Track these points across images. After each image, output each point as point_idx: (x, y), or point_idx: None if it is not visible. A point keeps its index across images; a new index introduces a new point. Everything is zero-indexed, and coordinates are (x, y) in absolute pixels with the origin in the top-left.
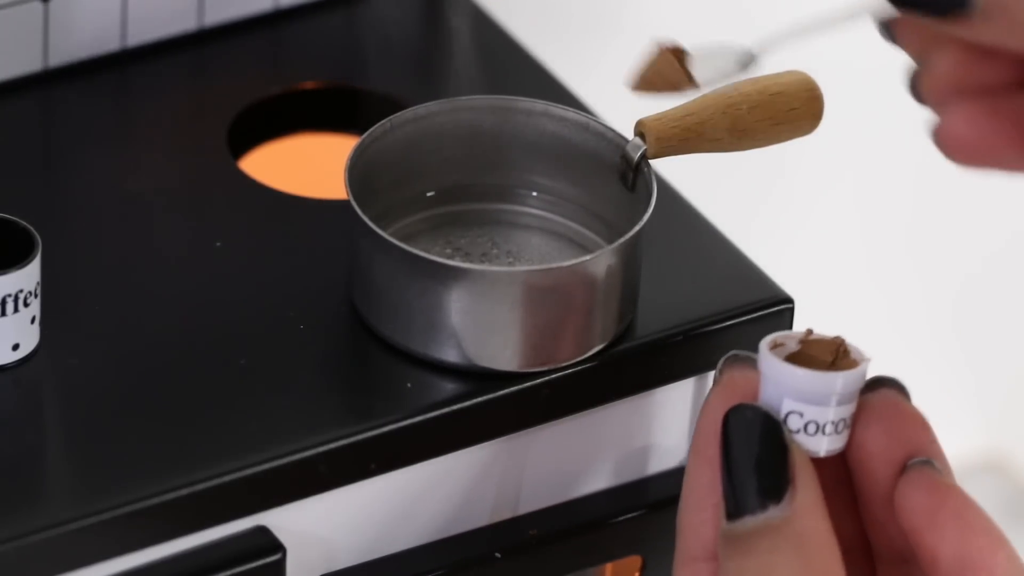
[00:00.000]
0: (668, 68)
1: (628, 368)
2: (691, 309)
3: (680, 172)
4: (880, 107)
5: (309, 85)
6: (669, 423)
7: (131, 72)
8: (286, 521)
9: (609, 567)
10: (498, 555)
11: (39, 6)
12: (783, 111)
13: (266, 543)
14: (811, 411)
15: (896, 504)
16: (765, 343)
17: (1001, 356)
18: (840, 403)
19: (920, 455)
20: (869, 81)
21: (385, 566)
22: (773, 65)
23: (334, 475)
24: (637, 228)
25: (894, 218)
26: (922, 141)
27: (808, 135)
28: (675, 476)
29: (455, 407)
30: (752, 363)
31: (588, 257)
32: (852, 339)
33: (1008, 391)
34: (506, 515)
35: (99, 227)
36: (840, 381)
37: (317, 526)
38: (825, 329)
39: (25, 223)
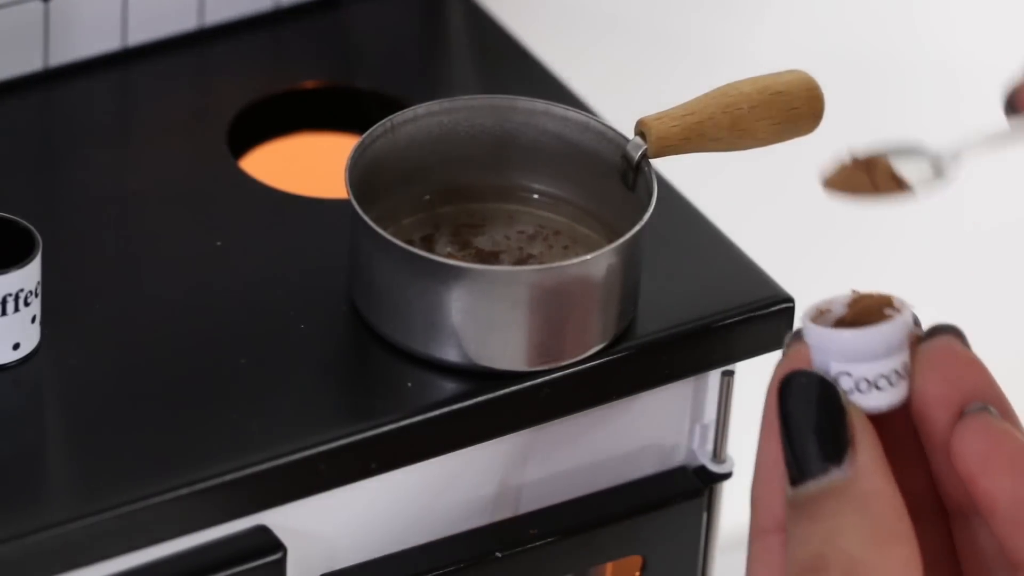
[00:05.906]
0: (870, 176)
1: (628, 367)
2: (691, 309)
3: (681, 172)
4: (881, 106)
5: (309, 85)
6: (669, 423)
7: (132, 71)
8: (287, 520)
9: (609, 567)
10: (499, 555)
11: (40, 5)
12: (784, 110)
13: (267, 542)
14: (859, 369)
15: (952, 451)
16: (806, 312)
17: (1003, 356)
18: (887, 355)
19: (979, 400)
20: (870, 80)
21: (386, 566)
22: (773, 65)
23: (334, 475)
24: (638, 228)
25: (894, 217)
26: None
27: (809, 134)
28: (675, 476)
29: (455, 407)
30: None
31: (588, 257)
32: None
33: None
34: (507, 514)
35: (100, 227)
36: (879, 334)
37: (318, 525)
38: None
39: (26, 222)
